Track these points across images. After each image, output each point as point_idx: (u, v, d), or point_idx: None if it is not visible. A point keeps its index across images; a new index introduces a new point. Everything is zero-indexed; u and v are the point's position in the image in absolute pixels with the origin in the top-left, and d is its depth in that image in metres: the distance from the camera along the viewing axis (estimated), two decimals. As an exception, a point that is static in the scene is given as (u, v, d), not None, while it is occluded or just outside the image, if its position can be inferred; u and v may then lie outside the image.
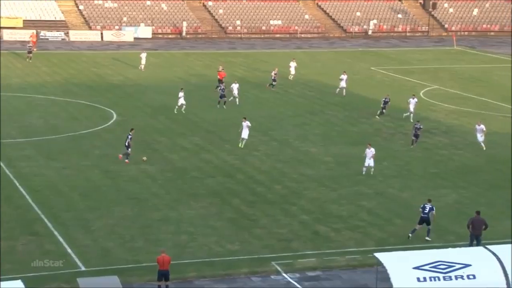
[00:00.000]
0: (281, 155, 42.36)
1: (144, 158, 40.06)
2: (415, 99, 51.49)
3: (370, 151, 39.00)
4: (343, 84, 58.37)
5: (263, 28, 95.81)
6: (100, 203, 34.00)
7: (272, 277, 27.49)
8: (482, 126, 43.22)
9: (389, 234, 31.38)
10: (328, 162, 41.38)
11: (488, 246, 25.00)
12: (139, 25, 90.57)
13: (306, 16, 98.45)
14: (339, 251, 29.60)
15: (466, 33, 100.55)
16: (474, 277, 23.35)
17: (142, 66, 67.32)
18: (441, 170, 40.12)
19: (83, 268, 27.43)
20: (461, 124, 50.41)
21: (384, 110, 51.42)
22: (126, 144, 39.96)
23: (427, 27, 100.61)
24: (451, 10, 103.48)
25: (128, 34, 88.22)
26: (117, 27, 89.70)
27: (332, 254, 29.34)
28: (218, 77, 59.24)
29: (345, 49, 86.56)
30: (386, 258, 24.33)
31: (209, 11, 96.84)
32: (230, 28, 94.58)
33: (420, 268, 23.53)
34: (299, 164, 40.59)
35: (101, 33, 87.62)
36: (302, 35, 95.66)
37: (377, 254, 24.80)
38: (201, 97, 56.95)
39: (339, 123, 50.54)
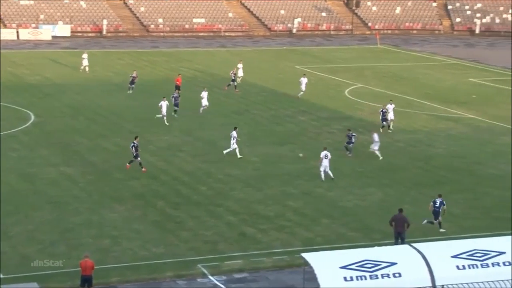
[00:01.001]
0: (206, 156, 42.32)
1: (301, 154, 40.62)
2: (392, 105, 49.23)
3: (325, 154, 38.25)
4: (303, 87, 58.13)
5: (186, 26, 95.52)
6: (18, 208, 33.29)
7: (198, 280, 27.44)
8: (376, 136, 42.77)
9: (316, 234, 31.71)
10: (254, 162, 41.55)
11: (413, 244, 25.50)
12: (57, 23, 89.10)
13: (230, 14, 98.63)
14: (266, 252, 29.74)
15: (389, 31, 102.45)
16: (400, 275, 23.75)
17: (87, 68, 65.36)
18: (367, 169, 40.76)
19: (1, 276, 26.82)
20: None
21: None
22: (134, 154, 38.68)
23: (351, 26, 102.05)
24: (374, 8, 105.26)
25: (45, 33, 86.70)
26: (33, 25, 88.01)
27: (259, 255, 29.46)
28: (176, 83, 56.85)
29: (270, 47, 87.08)
30: (313, 258, 24.53)
31: (130, 9, 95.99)
32: (152, 26, 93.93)
33: (347, 267, 23.80)
34: (225, 165, 40.62)
35: (17, 32, 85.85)
36: (226, 34, 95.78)
37: (304, 254, 24.98)
38: (123, 97, 56.41)
39: (264, 123, 50.82)
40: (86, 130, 46.84)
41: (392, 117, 48.90)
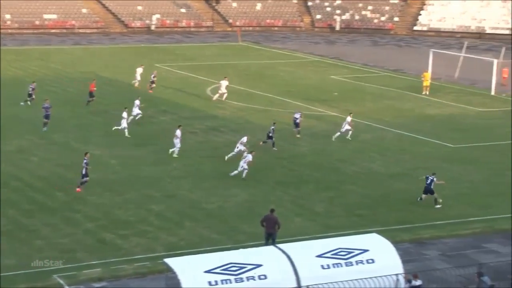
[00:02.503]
0: (61, 159, 41.32)
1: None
2: (350, 119, 48.16)
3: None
4: (223, 89, 57.64)
5: (37, 23, 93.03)
6: None
7: (55, 291, 26.76)
8: (244, 139, 43.36)
9: (179, 238, 31.61)
10: (113, 165, 40.95)
11: (278, 245, 25.89)
12: None
13: (84, 10, 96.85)
14: (127, 259, 29.34)
15: (250, 28, 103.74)
16: (266, 277, 24.03)
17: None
18: (231, 170, 41.00)
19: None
20: (249, 121, 51.90)
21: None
22: (84, 172, 36.02)
23: (211, 22, 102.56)
24: (234, 4, 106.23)
25: None
26: None
27: (119, 262, 29.03)
28: (91, 89, 54.56)
29: (128, 45, 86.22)
30: (176, 263, 24.44)
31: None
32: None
33: (212, 271, 23.85)
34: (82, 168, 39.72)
35: None
36: (80, 30, 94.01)
37: (166, 260, 24.85)
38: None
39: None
40: None
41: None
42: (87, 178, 36.51)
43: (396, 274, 24.63)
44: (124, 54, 78.23)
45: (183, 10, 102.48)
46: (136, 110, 49.99)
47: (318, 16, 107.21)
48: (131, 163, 41.42)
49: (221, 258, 24.69)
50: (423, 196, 36.23)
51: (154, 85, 59.88)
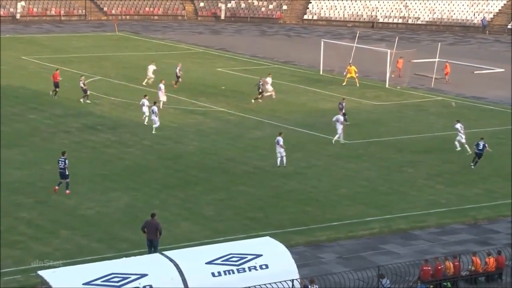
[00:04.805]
0: None
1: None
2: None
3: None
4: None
5: None
6: None
7: None
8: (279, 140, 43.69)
9: (54, 248, 31.08)
10: (-24, 169, 39.85)
11: (164, 252, 25.84)
12: None
13: None
14: (-4, 273, 28.72)
15: (128, 17, 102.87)
16: (151, 287, 24.04)
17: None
18: (110, 171, 40.61)
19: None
20: (129, 119, 51.46)
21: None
22: (66, 171, 36.59)
23: (84, 10, 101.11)
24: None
25: None
26: None
27: (-13, 277, 28.36)
28: (54, 80, 55.36)
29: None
30: (51, 276, 24.08)
31: None
32: None
33: (91, 283, 23.68)
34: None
35: None
36: None
37: (40, 272, 24.45)
38: None
39: (-13, 123, 48.95)
40: None
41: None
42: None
43: (292, 280, 24.99)
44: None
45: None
46: (162, 96, 53.42)
47: (201, 4, 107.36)
48: (-3, 167, 40.46)
49: (102, 268, 24.50)
50: (476, 160, 42.21)
51: (180, 80, 60.80)
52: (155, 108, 48.35)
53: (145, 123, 49.26)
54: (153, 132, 47.65)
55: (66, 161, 36.84)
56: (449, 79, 66.84)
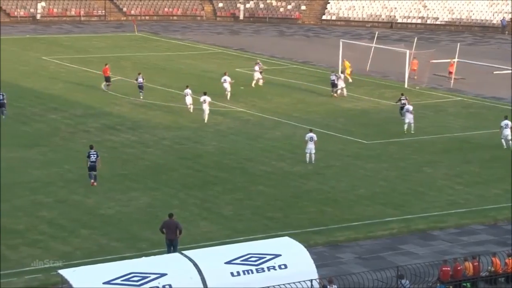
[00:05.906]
0: None
1: None
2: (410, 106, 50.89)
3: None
4: (227, 86, 57.11)
5: None
6: None
7: None
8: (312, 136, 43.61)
9: (74, 247, 31.21)
10: (-3, 169, 40.11)
11: (184, 252, 25.89)
12: None
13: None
14: (17, 271, 28.82)
15: (147, 17, 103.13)
16: (171, 287, 24.04)
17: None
18: (130, 171, 40.73)
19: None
20: (149, 119, 51.60)
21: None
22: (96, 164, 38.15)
23: (103, 11, 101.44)
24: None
25: None
26: None
27: (8, 275, 28.49)
28: (104, 74, 57.86)
29: (11, 36, 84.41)
30: (71, 275, 24.17)
31: None
32: None
33: (111, 282, 23.76)
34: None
35: None
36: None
37: (61, 271, 24.55)
38: None
39: (8, 122, 49.20)
40: None
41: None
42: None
43: (310, 280, 24.97)
44: (6, 46, 76.35)
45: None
46: (226, 86, 56.39)
47: (220, 5, 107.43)
48: (18, 166, 40.66)
49: (122, 267, 24.58)
50: None
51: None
52: (207, 98, 50.37)
53: (191, 110, 51.68)
54: (205, 121, 50.24)
55: (98, 154, 38.21)
56: (454, 78, 65.70)
